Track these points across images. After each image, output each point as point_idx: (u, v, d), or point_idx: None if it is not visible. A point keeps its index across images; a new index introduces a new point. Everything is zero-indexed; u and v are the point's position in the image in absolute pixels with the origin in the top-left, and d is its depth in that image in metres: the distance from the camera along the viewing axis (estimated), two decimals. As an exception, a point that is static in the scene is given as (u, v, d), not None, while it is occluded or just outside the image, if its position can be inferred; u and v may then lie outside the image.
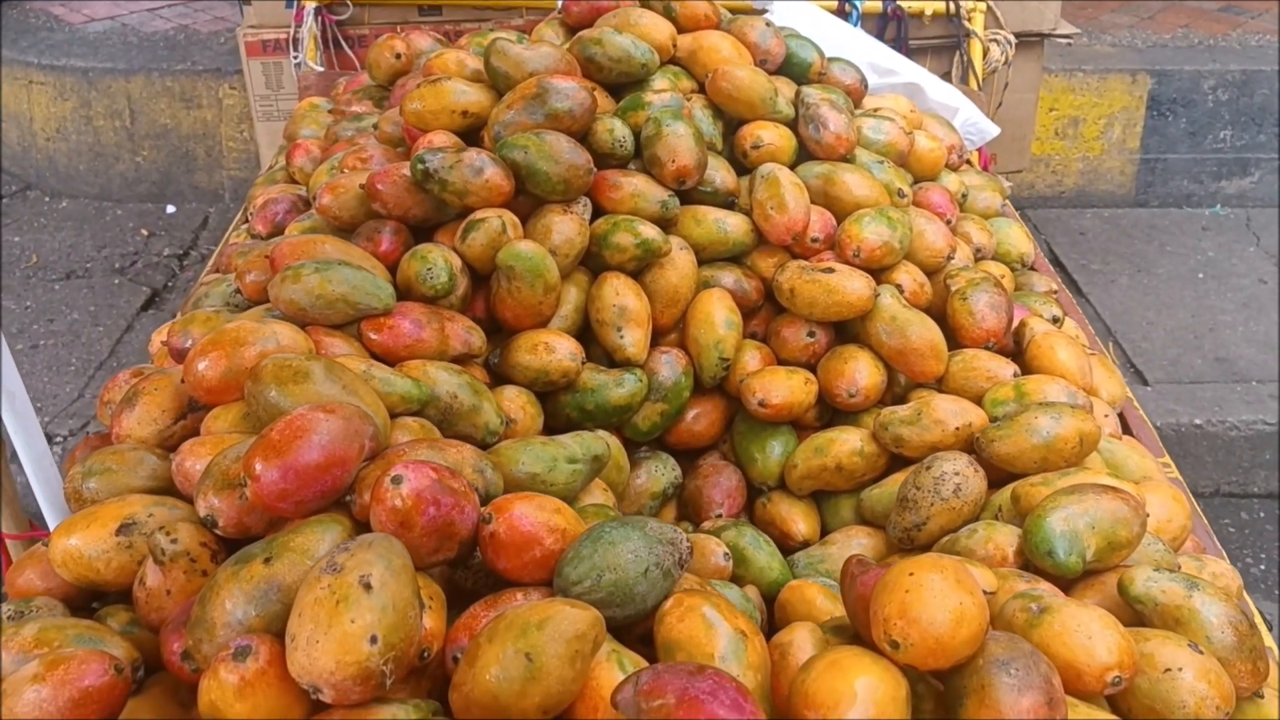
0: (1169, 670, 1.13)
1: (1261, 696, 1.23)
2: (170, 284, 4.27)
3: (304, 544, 1.08)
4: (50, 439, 3.51)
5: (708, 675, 0.94)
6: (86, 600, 1.29)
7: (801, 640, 1.16)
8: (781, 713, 1.04)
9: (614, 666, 1.05)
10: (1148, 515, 1.36)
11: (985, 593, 1.14)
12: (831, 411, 1.83)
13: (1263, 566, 3.35)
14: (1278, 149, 4.81)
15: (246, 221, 2.19)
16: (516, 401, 1.63)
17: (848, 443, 1.70)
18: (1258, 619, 1.39)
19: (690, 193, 1.89)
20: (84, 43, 4.82)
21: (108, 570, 1.23)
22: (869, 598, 1.11)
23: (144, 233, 4.56)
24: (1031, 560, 1.34)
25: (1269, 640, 1.37)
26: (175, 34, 4.91)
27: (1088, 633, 1.12)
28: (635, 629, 1.17)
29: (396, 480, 1.10)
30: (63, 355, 3.80)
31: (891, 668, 1.02)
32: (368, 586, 0.97)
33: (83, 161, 4.76)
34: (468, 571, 1.22)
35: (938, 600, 1.02)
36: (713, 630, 1.10)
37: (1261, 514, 3.56)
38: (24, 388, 1.74)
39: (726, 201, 1.93)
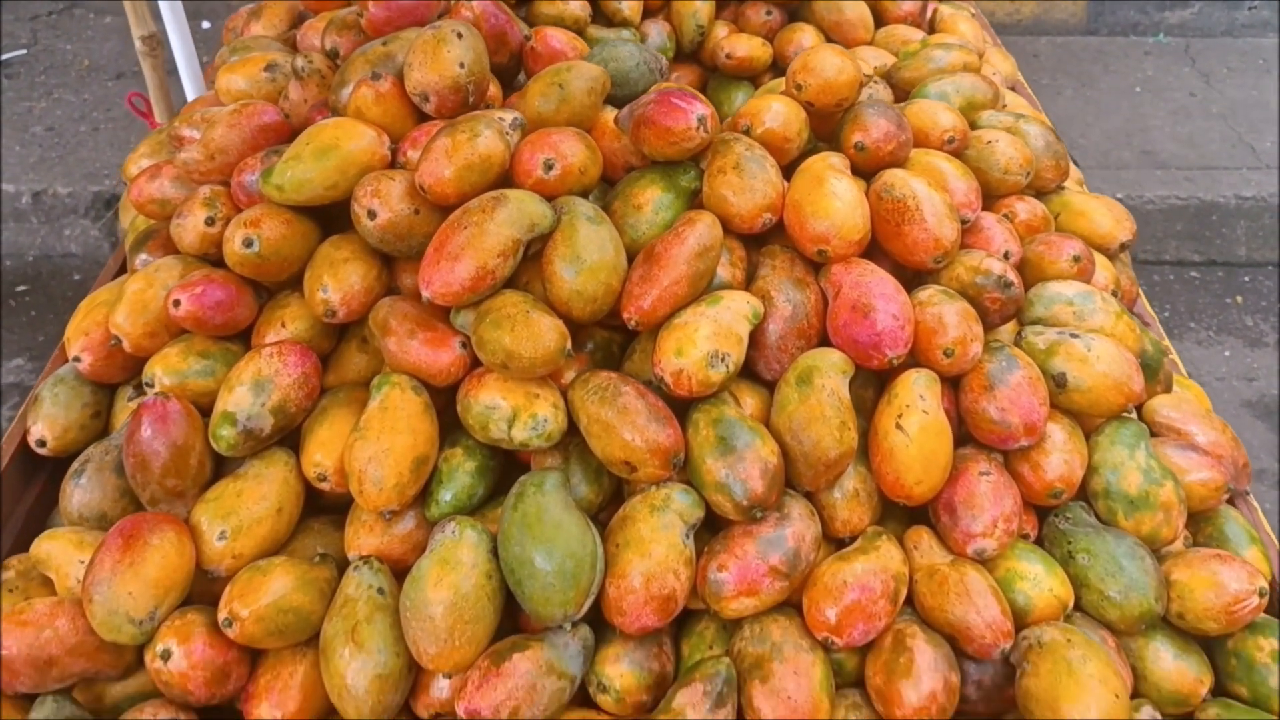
0: (989, 142, 1.66)
1: (1064, 189, 1.78)
2: (210, 85, 4.73)
3: (409, 34, 1.60)
4: (116, 197, 4.04)
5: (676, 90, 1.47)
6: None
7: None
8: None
9: (613, 112, 1.58)
10: (999, 91, 1.89)
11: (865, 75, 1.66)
12: (783, 77, 2.35)
13: (1167, 313, 3.92)
14: (1218, -19, 5.25)
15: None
16: (540, 38, 2.15)
17: (793, 83, 2.22)
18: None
19: (675, -95, 2.38)
20: None
21: (259, 95, 1.75)
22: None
23: (182, 44, 5.00)
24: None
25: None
26: None
27: (934, 110, 1.65)
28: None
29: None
30: (121, 135, 4.29)
31: (795, 103, 1.56)
32: (459, 35, 1.49)
33: (123, -20, 5.16)
34: (513, 93, 1.75)
35: (829, 58, 1.56)
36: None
37: (1170, 277, 4.11)
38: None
39: (704, -88, 2.41)
